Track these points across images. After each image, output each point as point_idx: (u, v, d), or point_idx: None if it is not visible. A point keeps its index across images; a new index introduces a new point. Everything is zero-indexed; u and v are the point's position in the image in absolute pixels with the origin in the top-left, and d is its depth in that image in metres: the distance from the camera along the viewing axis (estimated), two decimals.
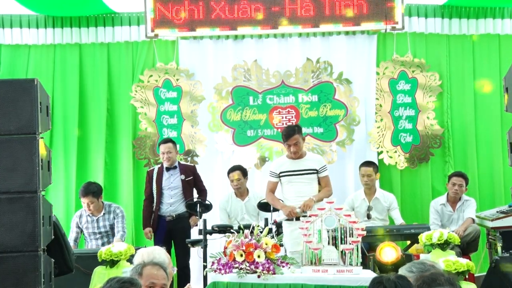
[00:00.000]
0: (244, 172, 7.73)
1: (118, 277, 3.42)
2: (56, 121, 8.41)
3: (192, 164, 8.16)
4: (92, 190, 7.34)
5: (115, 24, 8.55)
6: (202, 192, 7.70)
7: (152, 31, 8.33)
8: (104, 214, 7.41)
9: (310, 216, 5.55)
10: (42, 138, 4.89)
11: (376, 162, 8.20)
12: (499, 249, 7.16)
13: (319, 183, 6.68)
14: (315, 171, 6.56)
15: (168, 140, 7.74)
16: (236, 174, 7.65)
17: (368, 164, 7.83)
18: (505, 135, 5.59)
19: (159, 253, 4.27)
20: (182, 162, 8.07)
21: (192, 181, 7.67)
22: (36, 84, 4.85)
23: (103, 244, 7.10)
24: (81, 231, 7.51)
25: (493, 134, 8.62)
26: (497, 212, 7.60)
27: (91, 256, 6.34)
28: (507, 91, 5.43)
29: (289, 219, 6.38)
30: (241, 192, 7.73)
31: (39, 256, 4.72)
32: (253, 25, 8.37)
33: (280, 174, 6.60)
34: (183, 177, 7.60)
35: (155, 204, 7.61)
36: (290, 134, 6.53)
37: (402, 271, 3.85)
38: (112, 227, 7.41)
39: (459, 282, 5.54)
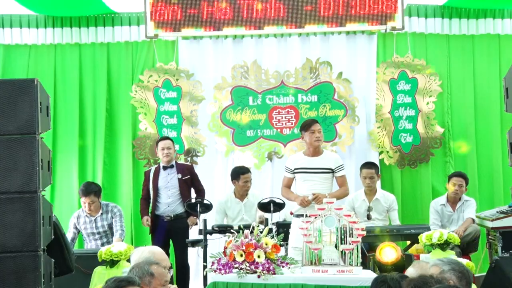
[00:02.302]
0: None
1: (116, 277, 3.42)
2: (56, 121, 8.41)
3: (190, 164, 8.16)
4: (93, 190, 7.34)
5: (115, 24, 8.54)
6: (200, 192, 7.68)
7: (152, 31, 8.33)
8: (102, 214, 7.39)
9: (310, 216, 5.54)
10: (42, 138, 4.89)
11: (377, 162, 8.19)
12: (499, 249, 7.16)
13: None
14: (331, 171, 6.53)
15: (167, 137, 7.75)
16: (250, 175, 7.68)
17: (370, 166, 7.79)
18: (505, 135, 5.59)
19: (157, 252, 4.26)
20: (180, 161, 8.07)
21: (189, 181, 7.65)
22: (36, 84, 4.84)
23: (102, 244, 7.09)
24: (78, 232, 7.49)
25: (493, 134, 8.62)
26: (497, 212, 7.60)
27: (91, 256, 6.34)
28: (507, 92, 5.43)
29: (300, 215, 6.33)
30: (246, 193, 7.73)
31: (39, 256, 4.71)
32: (253, 25, 8.37)
33: (295, 171, 6.58)
34: (180, 176, 7.58)
35: (151, 204, 7.59)
36: (314, 121, 6.66)
37: (433, 261, 3.85)
38: (110, 226, 7.40)
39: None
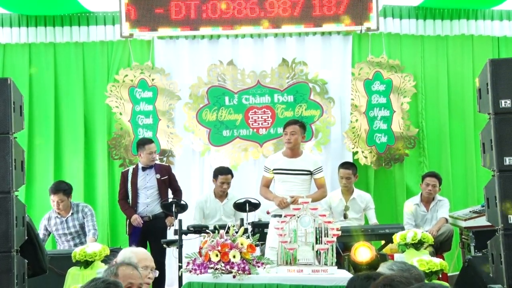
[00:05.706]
0: (232, 176, 7.76)
1: (103, 278, 3.39)
2: (32, 122, 8.33)
3: (167, 164, 8.15)
4: (63, 188, 7.25)
5: (90, 23, 8.48)
6: (177, 192, 7.70)
7: (127, 30, 8.29)
8: (72, 214, 7.30)
9: (285, 216, 5.56)
10: (15, 138, 4.85)
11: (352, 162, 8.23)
12: (472, 248, 7.23)
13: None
14: (309, 172, 6.53)
15: (152, 140, 7.73)
16: (229, 177, 7.66)
17: (348, 166, 7.81)
18: (478, 136, 5.64)
19: (140, 252, 4.24)
20: (157, 162, 8.05)
21: (167, 181, 7.65)
22: (9, 83, 4.81)
23: (75, 245, 7.03)
24: (49, 233, 7.39)
25: (467, 135, 8.71)
26: (470, 212, 7.68)
27: (65, 257, 6.29)
28: (479, 92, 5.48)
29: (277, 215, 6.34)
30: (224, 194, 7.72)
31: (13, 257, 4.68)
32: (229, 25, 8.36)
33: (274, 171, 6.58)
34: (158, 176, 7.58)
35: (131, 205, 7.56)
36: (291, 122, 6.65)
37: (383, 268, 3.87)
38: (82, 226, 7.32)
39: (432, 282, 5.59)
